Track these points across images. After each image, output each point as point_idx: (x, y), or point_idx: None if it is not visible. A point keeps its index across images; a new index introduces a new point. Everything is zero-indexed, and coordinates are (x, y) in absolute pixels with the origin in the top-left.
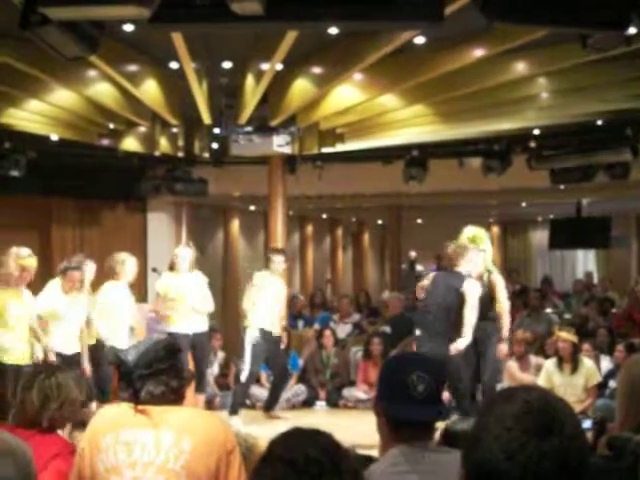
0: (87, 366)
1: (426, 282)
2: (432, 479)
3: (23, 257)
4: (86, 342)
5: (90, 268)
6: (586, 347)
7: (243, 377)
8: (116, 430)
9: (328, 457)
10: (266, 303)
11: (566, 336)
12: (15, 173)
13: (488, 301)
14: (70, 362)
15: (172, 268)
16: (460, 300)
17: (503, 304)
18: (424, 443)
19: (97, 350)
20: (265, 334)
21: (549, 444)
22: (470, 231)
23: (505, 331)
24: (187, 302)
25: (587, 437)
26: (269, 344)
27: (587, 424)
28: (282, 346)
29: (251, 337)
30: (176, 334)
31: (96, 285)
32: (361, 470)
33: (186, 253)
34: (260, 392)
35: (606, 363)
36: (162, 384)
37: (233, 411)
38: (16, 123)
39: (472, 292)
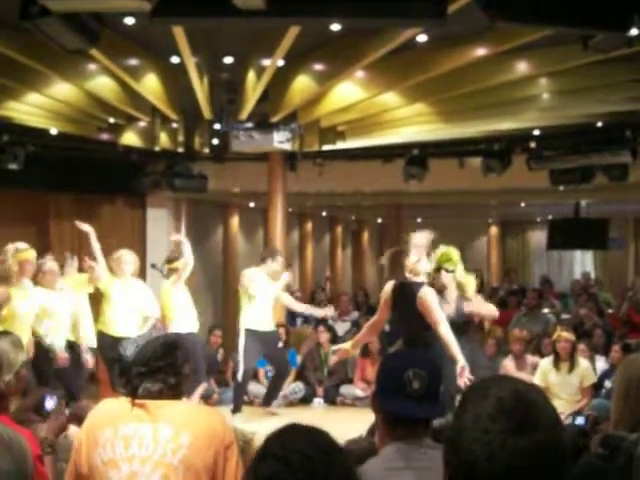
0: (88, 357)
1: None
2: (427, 475)
3: (21, 251)
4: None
5: (71, 263)
6: (582, 347)
7: (239, 376)
8: (114, 424)
9: (323, 455)
10: (253, 303)
11: (568, 336)
12: (14, 166)
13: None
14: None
15: (112, 270)
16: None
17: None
18: (420, 440)
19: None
20: (254, 334)
21: (527, 439)
22: (442, 250)
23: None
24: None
25: (564, 425)
26: (261, 342)
27: (580, 420)
28: (280, 341)
29: (242, 337)
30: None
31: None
32: (355, 468)
33: (132, 258)
34: (257, 389)
35: (601, 363)
36: (159, 381)
37: (235, 409)
38: (15, 116)
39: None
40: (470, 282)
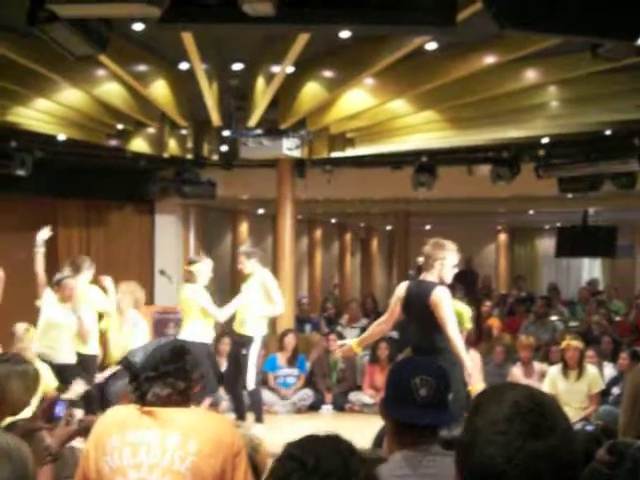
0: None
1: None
2: None
3: None
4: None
5: (89, 267)
6: (590, 354)
7: (251, 384)
8: (122, 431)
9: (339, 460)
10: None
11: (577, 344)
12: (21, 173)
13: None
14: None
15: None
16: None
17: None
18: (427, 447)
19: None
20: (264, 340)
21: (544, 443)
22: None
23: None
24: None
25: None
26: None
27: (590, 429)
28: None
29: (257, 344)
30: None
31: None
32: (374, 474)
33: (129, 290)
34: (266, 395)
35: (609, 370)
36: (169, 386)
37: (258, 419)
38: (23, 122)
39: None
40: (467, 311)
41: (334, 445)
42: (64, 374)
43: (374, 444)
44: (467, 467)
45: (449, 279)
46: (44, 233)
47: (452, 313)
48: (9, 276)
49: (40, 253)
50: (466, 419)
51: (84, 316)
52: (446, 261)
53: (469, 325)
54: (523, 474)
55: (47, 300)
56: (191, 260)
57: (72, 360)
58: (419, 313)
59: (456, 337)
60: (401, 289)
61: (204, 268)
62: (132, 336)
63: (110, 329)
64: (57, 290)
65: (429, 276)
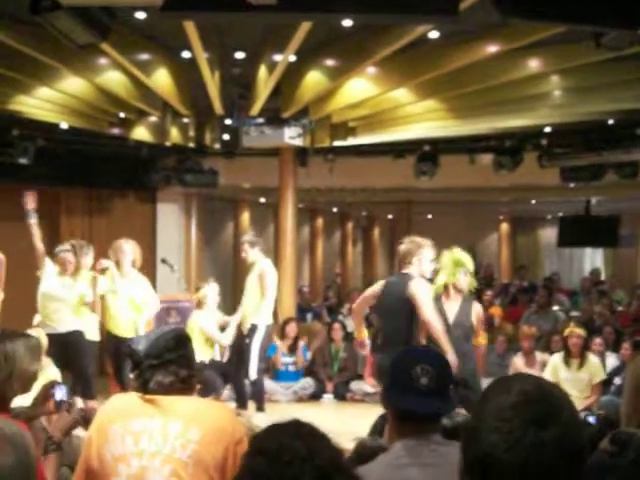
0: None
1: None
2: (434, 472)
3: None
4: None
5: (87, 252)
6: (597, 342)
7: (253, 373)
8: (124, 419)
9: (301, 444)
10: (267, 298)
11: (580, 332)
12: (24, 161)
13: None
14: (65, 339)
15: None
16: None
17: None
18: (428, 436)
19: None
20: (268, 329)
21: (548, 433)
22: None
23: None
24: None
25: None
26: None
27: (592, 420)
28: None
29: (260, 333)
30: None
31: None
32: (340, 458)
33: (130, 248)
34: (268, 383)
35: (612, 360)
36: (171, 374)
37: (259, 407)
38: (25, 110)
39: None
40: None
41: (294, 430)
42: (69, 340)
43: (371, 432)
44: (471, 453)
45: (429, 273)
46: (29, 201)
47: (431, 304)
48: (12, 265)
49: (34, 225)
50: (474, 406)
51: (85, 290)
52: (423, 257)
53: (471, 268)
54: (526, 463)
55: (47, 272)
56: (198, 287)
57: (74, 327)
58: (398, 305)
59: (438, 328)
60: (379, 285)
61: (211, 292)
62: (137, 290)
63: (113, 302)
64: (56, 262)
65: (408, 271)
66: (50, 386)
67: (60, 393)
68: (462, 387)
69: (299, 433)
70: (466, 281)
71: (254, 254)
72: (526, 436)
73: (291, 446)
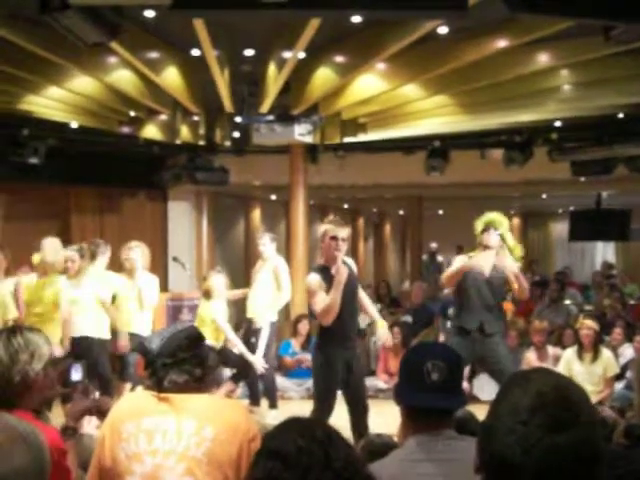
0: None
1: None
2: (447, 467)
3: None
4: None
5: (104, 251)
6: (617, 331)
7: (261, 369)
8: (138, 417)
9: (318, 447)
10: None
11: (591, 324)
12: (34, 161)
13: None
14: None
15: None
16: None
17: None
18: (441, 431)
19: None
20: (274, 325)
21: (565, 438)
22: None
23: None
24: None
25: (602, 422)
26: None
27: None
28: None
29: (268, 329)
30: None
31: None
32: (357, 459)
33: (138, 253)
34: (280, 380)
35: (630, 351)
36: (185, 373)
37: (272, 405)
38: (35, 110)
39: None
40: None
41: (310, 432)
42: (86, 343)
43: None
44: (487, 452)
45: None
46: None
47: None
48: (23, 264)
49: None
50: (492, 402)
51: (100, 291)
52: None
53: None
54: (542, 467)
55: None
56: (204, 277)
57: (87, 327)
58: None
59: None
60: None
61: (217, 282)
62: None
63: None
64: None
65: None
66: (66, 366)
67: (76, 374)
68: None
69: (315, 435)
70: (495, 239)
71: (270, 250)
72: (542, 441)
73: (309, 450)
